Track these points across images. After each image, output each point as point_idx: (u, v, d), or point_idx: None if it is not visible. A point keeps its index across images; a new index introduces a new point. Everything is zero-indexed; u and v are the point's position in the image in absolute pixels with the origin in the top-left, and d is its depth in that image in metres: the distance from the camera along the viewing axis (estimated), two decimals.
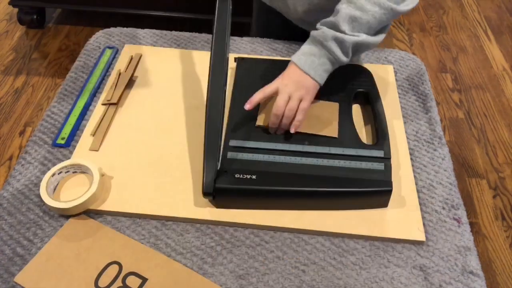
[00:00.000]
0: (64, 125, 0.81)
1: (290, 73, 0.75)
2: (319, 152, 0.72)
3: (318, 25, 0.77)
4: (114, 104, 0.84)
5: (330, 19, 0.75)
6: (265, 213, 0.69)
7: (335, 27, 0.74)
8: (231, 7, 0.74)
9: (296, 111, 0.73)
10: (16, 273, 0.62)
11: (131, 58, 0.94)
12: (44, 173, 0.73)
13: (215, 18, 0.70)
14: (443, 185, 0.75)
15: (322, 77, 0.75)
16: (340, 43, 0.74)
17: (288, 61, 0.79)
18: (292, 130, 0.74)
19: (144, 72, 0.92)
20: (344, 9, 0.74)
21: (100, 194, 0.70)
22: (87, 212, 0.69)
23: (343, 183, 0.69)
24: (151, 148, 0.77)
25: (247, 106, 0.74)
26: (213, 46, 0.71)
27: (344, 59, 0.75)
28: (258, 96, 0.74)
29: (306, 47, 0.76)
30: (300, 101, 0.74)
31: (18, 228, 0.67)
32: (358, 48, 0.76)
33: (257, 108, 0.79)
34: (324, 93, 0.80)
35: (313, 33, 0.76)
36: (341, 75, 0.86)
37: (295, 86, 0.73)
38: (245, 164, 0.70)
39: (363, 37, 0.74)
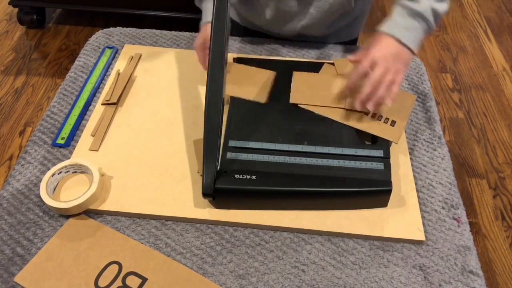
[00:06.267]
0: (64, 125, 0.81)
1: (386, 46, 0.74)
2: (318, 152, 0.72)
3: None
4: (113, 104, 0.84)
5: None
6: (265, 213, 0.69)
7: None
8: (229, 6, 0.74)
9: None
10: (16, 273, 0.62)
11: (131, 58, 0.94)
12: (44, 173, 0.73)
13: (213, 18, 0.70)
14: (443, 185, 0.75)
15: (418, 48, 0.77)
16: (435, 14, 0.77)
17: (285, 61, 0.78)
18: (388, 103, 0.72)
19: (143, 72, 0.92)
20: None
21: (100, 194, 0.70)
22: (87, 212, 0.69)
23: (343, 183, 0.69)
24: (151, 148, 0.77)
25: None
26: (211, 46, 0.71)
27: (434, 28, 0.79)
28: (355, 75, 0.73)
29: (404, 20, 0.76)
30: (396, 74, 0.73)
31: (18, 228, 0.67)
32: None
33: (256, 108, 0.79)
34: None
35: (411, 5, 0.77)
36: None
37: (393, 58, 0.73)
38: (244, 164, 0.70)
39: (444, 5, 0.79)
